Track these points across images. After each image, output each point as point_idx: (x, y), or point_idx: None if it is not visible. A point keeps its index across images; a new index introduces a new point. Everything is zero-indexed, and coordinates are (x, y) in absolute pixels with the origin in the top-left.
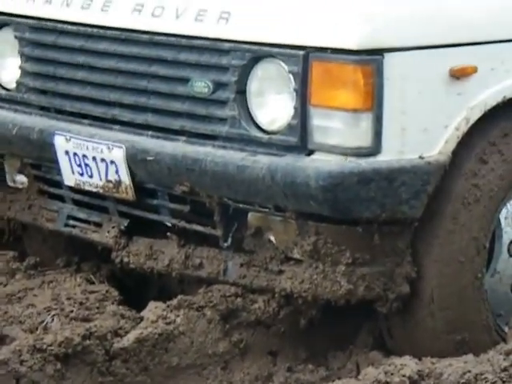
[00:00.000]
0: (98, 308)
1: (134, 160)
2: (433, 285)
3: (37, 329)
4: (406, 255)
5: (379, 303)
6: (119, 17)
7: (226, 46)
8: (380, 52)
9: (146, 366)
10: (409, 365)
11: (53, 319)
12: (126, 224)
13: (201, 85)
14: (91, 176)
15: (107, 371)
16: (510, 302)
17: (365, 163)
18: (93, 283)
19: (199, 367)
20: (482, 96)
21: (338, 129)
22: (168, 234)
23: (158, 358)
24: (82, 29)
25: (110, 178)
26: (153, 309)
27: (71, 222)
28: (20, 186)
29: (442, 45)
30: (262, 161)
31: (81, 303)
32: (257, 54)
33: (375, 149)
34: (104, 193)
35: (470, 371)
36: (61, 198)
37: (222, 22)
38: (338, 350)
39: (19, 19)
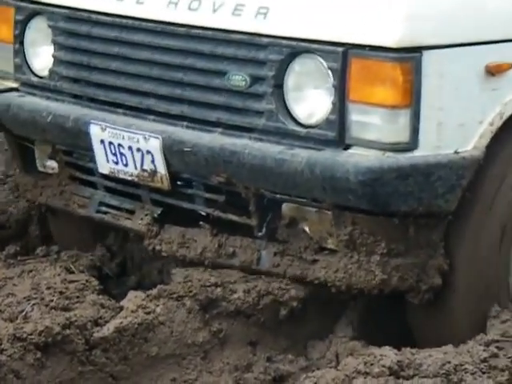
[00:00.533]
0: (77, 297)
1: (171, 150)
2: (464, 277)
3: (17, 318)
4: (439, 248)
5: (411, 294)
6: (155, 9)
7: (264, 40)
8: (418, 50)
9: (125, 355)
10: (389, 355)
11: (32, 308)
12: (159, 212)
13: (238, 78)
14: (126, 165)
15: (87, 360)
16: None
17: (403, 158)
18: (72, 273)
19: (179, 357)
20: None
21: (376, 124)
22: (201, 223)
23: (137, 348)
24: (117, 20)
25: (145, 167)
26: (132, 298)
27: (103, 209)
28: (50, 172)
29: (478, 42)
30: (301, 154)
31: (61, 292)
32: (295, 49)
33: (413, 144)
34: (139, 181)
35: (449, 362)
36: (93, 185)
37: (259, 17)
38: (317, 339)
39: (53, 8)
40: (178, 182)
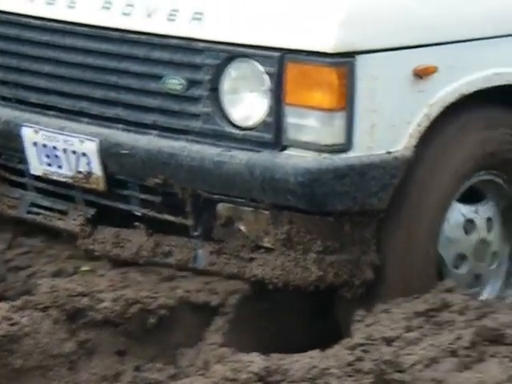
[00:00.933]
0: None
1: (108, 153)
2: (395, 271)
3: None
4: (372, 244)
5: (345, 289)
6: (87, 14)
7: (200, 45)
8: (352, 54)
9: None
10: (256, 361)
11: None
12: (92, 213)
13: (174, 82)
14: (60, 167)
15: None
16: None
17: (339, 159)
18: None
19: (44, 368)
20: (442, 93)
21: (312, 127)
22: (136, 223)
23: (1, 360)
24: (48, 24)
25: (80, 169)
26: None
27: (34, 210)
28: None
29: (406, 46)
30: (239, 156)
31: None
32: (231, 54)
33: (347, 145)
34: (73, 183)
35: (315, 366)
36: (23, 186)
37: (194, 22)
38: (187, 347)
39: None
40: (114, 184)
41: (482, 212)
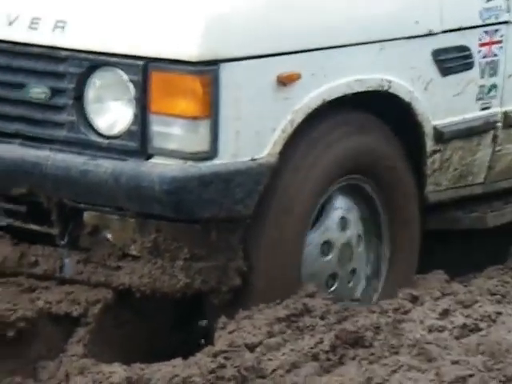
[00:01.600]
0: None
1: None
2: (263, 277)
3: None
4: (239, 250)
5: (213, 295)
6: None
7: (63, 53)
8: (216, 62)
9: None
10: (117, 372)
11: None
12: None
13: (37, 91)
14: None
15: None
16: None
17: (204, 167)
18: None
19: None
20: (306, 100)
21: (177, 135)
22: (0, 233)
23: None
24: None
25: None
26: None
27: None
28: None
29: (269, 54)
30: (105, 165)
31: None
32: (94, 62)
33: (213, 153)
34: None
35: (178, 375)
36: None
37: (57, 31)
38: (47, 360)
39: None
40: None
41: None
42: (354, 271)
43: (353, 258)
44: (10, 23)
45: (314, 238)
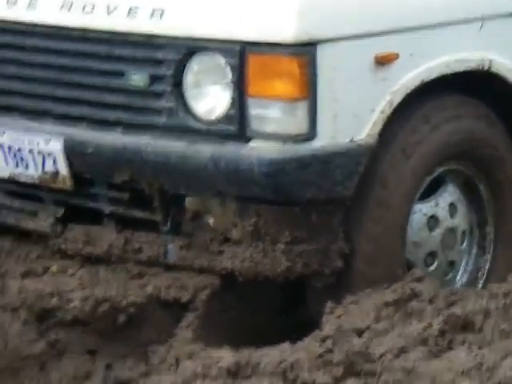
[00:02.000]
0: None
1: (73, 152)
2: (364, 259)
3: None
4: (340, 232)
5: (315, 279)
6: (47, 14)
7: (161, 41)
8: (313, 44)
9: None
10: (226, 356)
11: None
12: (61, 212)
13: (137, 78)
14: (27, 168)
15: None
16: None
17: (302, 149)
18: None
19: (15, 370)
20: (403, 80)
21: (275, 117)
22: (105, 220)
23: None
24: (8, 25)
25: (46, 169)
26: None
27: (4, 212)
28: None
29: (367, 34)
30: (204, 149)
31: None
32: (192, 48)
33: (311, 135)
34: (40, 184)
35: (285, 360)
36: None
37: (155, 18)
38: (158, 344)
39: None
40: (81, 182)
41: (442, 200)
42: (452, 263)
43: (454, 248)
44: (109, 13)
45: (423, 208)
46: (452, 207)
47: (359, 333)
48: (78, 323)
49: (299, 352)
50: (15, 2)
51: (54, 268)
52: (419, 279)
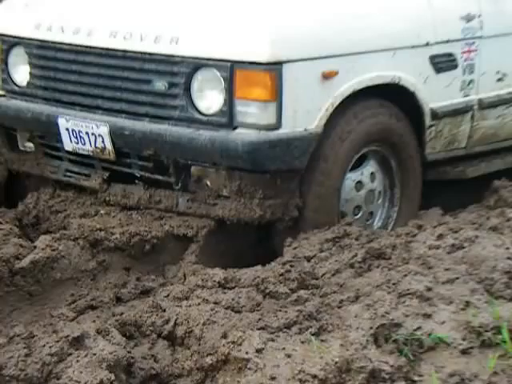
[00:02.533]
0: (4, 240)
1: (116, 134)
2: (311, 209)
3: None
4: (296, 192)
5: (279, 223)
6: (100, 40)
7: (176, 59)
8: (279, 63)
9: (38, 279)
10: (218, 273)
11: None
12: (107, 175)
13: (159, 84)
14: (84, 144)
15: (11, 283)
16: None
17: (272, 135)
18: (0, 223)
19: (75, 279)
20: (341, 89)
21: (254, 113)
22: (136, 181)
23: (46, 274)
24: (73, 47)
25: (97, 145)
26: (43, 240)
27: (68, 174)
28: (28, 150)
29: (316, 57)
30: (205, 134)
31: None
32: (197, 64)
33: (277, 125)
34: (93, 155)
35: (258, 276)
36: (59, 158)
37: (173, 44)
38: (172, 264)
39: (28, 41)
40: (120, 154)
41: (366, 171)
42: (372, 214)
43: (373, 203)
44: (142, 40)
45: (352, 176)
46: (372, 175)
47: (308, 259)
48: (118, 249)
49: (268, 271)
50: (78, 32)
51: (102, 212)
52: (349, 224)
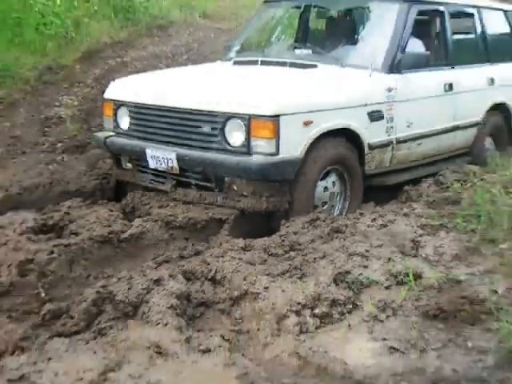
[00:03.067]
0: (113, 221)
1: (180, 158)
2: (296, 205)
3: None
4: (288, 192)
5: (277, 212)
6: (171, 102)
7: (216, 113)
8: (278, 116)
9: (134, 244)
10: (240, 242)
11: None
12: (174, 182)
13: (206, 129)
14: (161, 164)
15: (118, 247)
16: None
17: (273, 159)
18: (112, 211)
19: (156, 245)
20: (314, 132)
21: (262, 145)
22: (192, 187)
23: (139, 241)
24: (156, 106)
25: (169, 165)
26: (136, 221)
27: (152, 182)
28: (128, 168)
29: (299, 112)
30: (233, 159)
31: (106, 220)
32: (228, 116)
33: (277, 153)
34: (166, 170)
35: (265, 244)
36: (146, 172)
37: (214, 104)
38: (213, 236)
39: (129, 103)
40: (182, 170)
41: (329, 180)
42: (333, 206)
43: (334, 200)
44: (196, 101)
45: (322, 184)
46: (333, 183)
47: (295, 233)
48: (181, 227)
49: (271, 241)
50: (157, 97)
51: (171, 204)
52: (320, 212)
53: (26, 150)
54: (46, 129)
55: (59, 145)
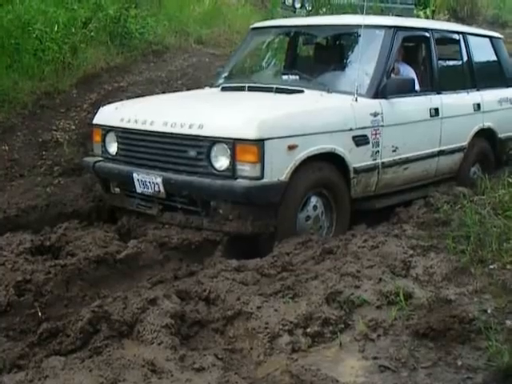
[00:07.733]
0: (109, 242)
1: (166, 182)
2: (281, 227)
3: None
4: (274, 216)
5: (263, 235)
6: (157, 127)
7: (201, 138)
8: (262, 140)
9: (129, 265)
10: (234, 262)
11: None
12: (161, 207)
13: (191, 153)
14: (148, 189)
15: (114, 267)
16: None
17: (258, 183)
18: (107, 232)
19: (151, 265)
20: (299, 155)
21: (247, 169)
22: (178, 210)
23: (134, 262)
24: (142, 132)
25: (156, 189)
26: (132, 242)
27: (139, 206)
28: (116, 192)
29: (284, 137)
30: (218, 182)
31: (103, 241)
32: (214, 141)
33: (261, 177)
34: (152, 195)
35: (258, 264)
36: (133, 197)
37: (199, 129)
38: (206, 258)
39: (116, 128)
40: (169, 194)
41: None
42: (320, 227)
43: (319, 222)
44: (181, 126)
45: (302, 214)
46: (315, 207)
47: (288, 254)
48: (176, 248)
49: (263, 261)
50: (145, 122)
51: (166, 226)
52: (311, 234)
53: (24, 172)
54: (43, 152)
55: (56, 168)
